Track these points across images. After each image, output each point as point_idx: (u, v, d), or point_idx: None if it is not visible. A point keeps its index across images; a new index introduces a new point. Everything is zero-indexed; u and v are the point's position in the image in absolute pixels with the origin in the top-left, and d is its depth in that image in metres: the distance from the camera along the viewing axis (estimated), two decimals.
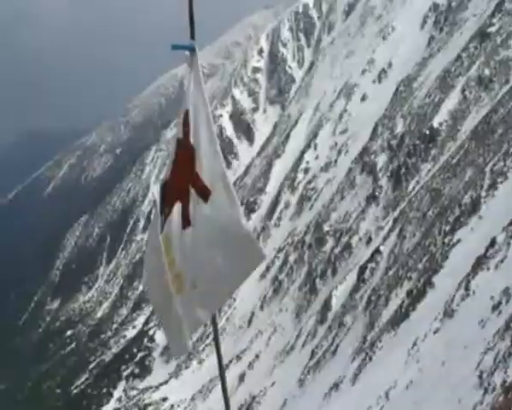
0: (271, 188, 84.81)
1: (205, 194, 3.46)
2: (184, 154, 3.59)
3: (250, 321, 64.62)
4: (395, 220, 40.94)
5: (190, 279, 3.54)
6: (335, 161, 70.65)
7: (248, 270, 3.47)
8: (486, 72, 44.08)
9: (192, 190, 3.51)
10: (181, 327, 3.62)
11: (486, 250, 19.15)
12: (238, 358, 57.67)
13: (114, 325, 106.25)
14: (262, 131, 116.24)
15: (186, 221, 3.54)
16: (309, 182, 73.86)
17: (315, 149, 77.97)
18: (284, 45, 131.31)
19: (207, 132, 3.53)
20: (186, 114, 3.60)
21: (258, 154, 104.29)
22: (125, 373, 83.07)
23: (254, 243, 3.40)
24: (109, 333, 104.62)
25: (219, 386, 4.01)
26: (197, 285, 3.52)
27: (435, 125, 45.94)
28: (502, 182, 24.50)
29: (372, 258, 38.97)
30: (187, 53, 3.43)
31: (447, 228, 27.68)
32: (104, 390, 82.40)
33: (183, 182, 3.56)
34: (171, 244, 3.59)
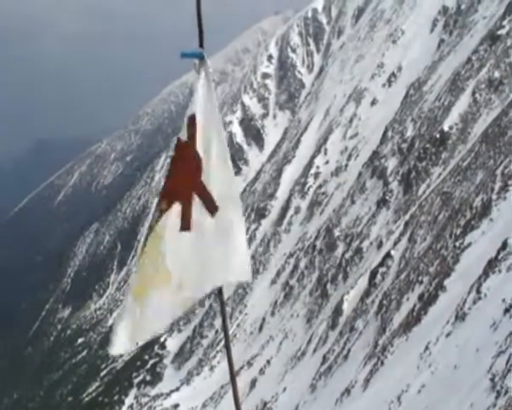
0: (282, 193, 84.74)
1: (211, 208, 3.44)
2: (189, 159, 3.49)
3: (261, 327, 64.48)
4: (406, 224, 40.74)
5: (177, 281, 3.47)
6: (346, 165, 70.58)
7: (231, 282, 3.51)
8: (496, 74, 43.87)
9: (196, 198, 3.45)
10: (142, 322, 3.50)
11: (498, 253, 18.98)
12: (249, 364, 57.52)
13: None
14: (272, 136, 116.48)
15: (186, 224, 3.46)
16: (319, 187, 73.80)
17: (325, 153, 77.91)
18: (294, 51, 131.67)
19: (219, 147, 3.47)
20: (192, 118, 3.49)
21: (269, 159, 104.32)
22: (136, 380, 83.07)
23: (248, 265, 3.51)
24: None
25: (231, 393, 3.90)
26: (182, 287, 3.45)
27: (445, 128, 45.74)
28: None
29: (383, 262, 38.78)
30: (196, 61, 3.38)
31: (458, 231, 27.49)
32: (116, 398, 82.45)
33: (187, 186, 3.47)
34: (163, 239, 3.49)
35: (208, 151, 3.47)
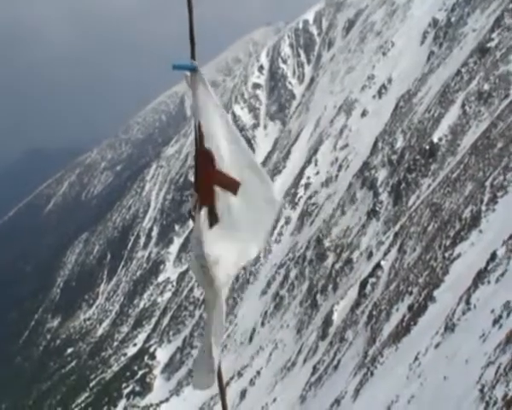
0: None
1: (232, 187, 3.53)
2: (203, 159, 3.57)
3: (251, 337, 64.40)
4: (396, 235, 40.82)
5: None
6: (336, 176, 70.73)
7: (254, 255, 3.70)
8: (486, 86, 44.10)
9: (217, 189, 3.53)
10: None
11: (487, 264, 19.06)
12: (239, 374, 57.42)
13: (115, 343, 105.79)
14: (262, 147, 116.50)
15: (213, 219, 3.55)
16: (310, 197, 73.89)
17: (315, 164, 78.06)
18: (284, 61, 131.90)
19: (226, 132, 3.53)
20: (199, 126, 3.54)
21: None
22: (125, 391, 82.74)
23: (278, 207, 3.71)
24: (110, 351, 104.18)
25: (220, 403, 3.97)
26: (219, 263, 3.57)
27: (435, 140, 45.94)
28: (502, 196, 24.43)
29: (373, 273, 38.83)
30: (187, 73, 3.39)
31: (448, 242, 27.58)
32: (105, 408, 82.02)
33: (207, 185, 3.55)
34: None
35: (215, 139, 3.51)
